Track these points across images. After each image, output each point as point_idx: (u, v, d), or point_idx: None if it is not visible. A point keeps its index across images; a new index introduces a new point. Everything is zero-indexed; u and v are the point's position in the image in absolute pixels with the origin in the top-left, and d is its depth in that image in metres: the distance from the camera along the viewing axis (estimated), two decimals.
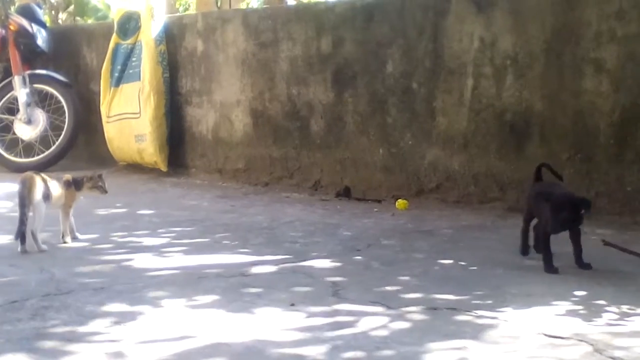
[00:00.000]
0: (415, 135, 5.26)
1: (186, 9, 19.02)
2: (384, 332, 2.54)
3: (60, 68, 7.45)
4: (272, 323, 2.63)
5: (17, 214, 3.70)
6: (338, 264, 3.54)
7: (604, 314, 2.74)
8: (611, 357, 2.31)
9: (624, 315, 2.74)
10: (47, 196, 3.76)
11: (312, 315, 2.72)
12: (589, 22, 4.48)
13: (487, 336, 2.50)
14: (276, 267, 3.46)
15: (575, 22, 4.54)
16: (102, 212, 4.89)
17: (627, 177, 4.36)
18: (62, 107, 7.05)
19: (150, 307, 2.81)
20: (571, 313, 2.76)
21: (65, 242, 3.93)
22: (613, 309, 2.81)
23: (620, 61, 4.39)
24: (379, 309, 2.80)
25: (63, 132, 7.00)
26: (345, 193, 5.55)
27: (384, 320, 2.67)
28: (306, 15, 5.90)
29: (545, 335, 2.50)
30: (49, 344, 2.43)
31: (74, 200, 3.98)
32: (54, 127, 7.08)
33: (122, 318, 2.68)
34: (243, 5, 15.01)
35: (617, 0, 4.37)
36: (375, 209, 5.09)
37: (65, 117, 7.02)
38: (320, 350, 2.36)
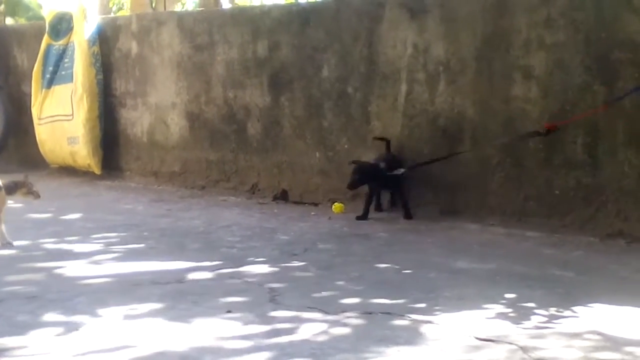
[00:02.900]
0: (351, 139, 5.31)
1: (120, 9, 18.72)
2: (320, 338, 2.57)
3: None
4: (210, 331, 2.63)
5: None
6: (275, 269, 3.56)
7: (532, 317, 2.84)
8: (538, 359, 2.39)
9: (552, 318, 2.83)
10: None
11: (249, 322, 2.73)
12: (518, 29, 4.60)
13: (420, 340, 2.56)
14: (213, 273, 3.46)
15: (505, 29, 4.65)
16: (32, 216, 4.80)
17: (555, 181, 4.49)
18: None
19: (85, 317, 2.78)
20: (501, 316, 2.84)
21: (7, 245, 3.87)
22: (541, 311, 2.90)
23: (548, 68, 4.51)
24: (316, 314, 2.83)
25: None
26: (283, 196, 5.57)
27: (321, 326, 2.70)
28: (242, 18, 5.89)
29: (476, 338, 2.58)
30: None
31: (4, 204, 3.90)
32: None
33: (56, 328, 2.64)
34: (178, 7, 14.87)
35: (545, 8, 4.50)
36: (312, 213, 5.13)
37: None
38: (257, 358, 2.38)
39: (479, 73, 4.76)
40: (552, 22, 4.49)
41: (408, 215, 4.83)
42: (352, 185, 4.79)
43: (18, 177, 4.14)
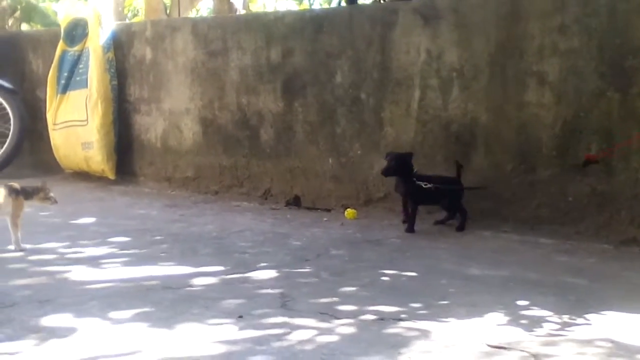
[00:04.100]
0: (364, 145, 5.32)
1: (134, 15, 18.83)
2: (331, 343, 2.56)
3: (6, 74, 7.31)
4: (221, 335, 2.64)
5: None
6: (287, 275, 3.55)
7: (545, 324, 2.82)
8: None
9: (564, 325, 2.82)
10: None
11: (260, 327, 2.73)
12: (532, 36, 4.60)
13: (432, 346, 2.55)
14: (225, 278, 3.47)
15: (518, 36, 4.65)
16: (46, 221, 4.82)
17: (568, 188, 4.48)
18: (7, 114, 6.93)
19: (97, 321, 2.79)
20: (513, 323, 2.83)
21: (22, 250, 3.90)
22: (554, 318, 2.89)
23: (562, 74, 4.51)
24: (328, 320, 2.82)
25: (8, 140, 6.89)
26: (295, 202, 5.58)
27: (332, 331, 2.70)
28: (255, 24, 5.91)
29: (488, 345, 2.57)
30: None
31: (22, 209, 3.93)
32: None
33: (68, 332, 2.65)
34: (192, 14, 14.93)
35: (559, 15, 4.49)
36: (325, 218, 5.13)
37: (10, 124, 6.90)
38: None
39: (492, 79, 4.75)
40: (565, 29, 4.48)
41: (440, 222, 4.85)
42: (386, 172, 4.69)
43: (34, 182, 4.16)
